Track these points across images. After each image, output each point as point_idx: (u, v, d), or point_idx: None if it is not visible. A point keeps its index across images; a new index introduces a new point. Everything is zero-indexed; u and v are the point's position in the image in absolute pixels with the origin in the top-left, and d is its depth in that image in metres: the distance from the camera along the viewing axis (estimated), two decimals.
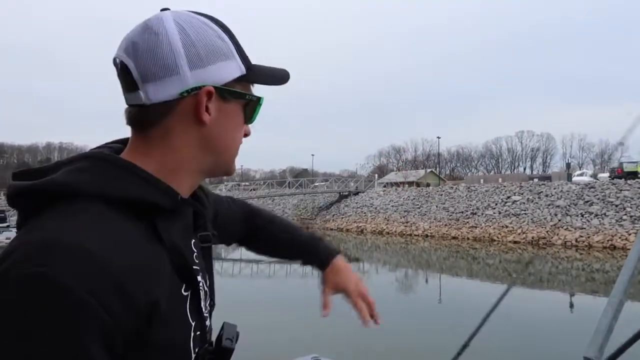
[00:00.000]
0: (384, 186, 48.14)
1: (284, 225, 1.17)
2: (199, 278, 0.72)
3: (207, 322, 0.76)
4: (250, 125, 0.78)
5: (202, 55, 0.67)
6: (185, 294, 0.68)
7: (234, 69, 0.70)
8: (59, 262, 0.53)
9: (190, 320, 0.68)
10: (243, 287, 14.60)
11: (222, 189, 57.26)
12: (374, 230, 31.57)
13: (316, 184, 52.31)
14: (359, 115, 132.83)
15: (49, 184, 0.62)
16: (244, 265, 19.01)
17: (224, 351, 0.76)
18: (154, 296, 0.60)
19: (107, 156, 0.67)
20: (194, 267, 0.71)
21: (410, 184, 50.26)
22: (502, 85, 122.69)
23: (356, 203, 37.28)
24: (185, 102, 0.67)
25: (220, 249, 24.18)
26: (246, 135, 0.77)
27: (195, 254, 0.74)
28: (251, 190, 53.22)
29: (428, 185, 44.18)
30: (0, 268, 0.54)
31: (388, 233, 30.40)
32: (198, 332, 0.70)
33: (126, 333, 0.56)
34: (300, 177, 58.05)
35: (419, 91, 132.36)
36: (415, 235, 28.66)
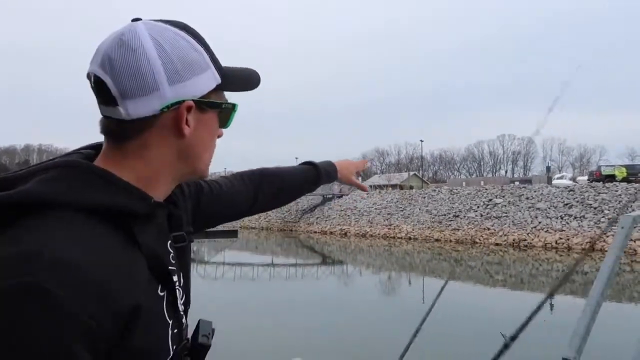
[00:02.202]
0: None
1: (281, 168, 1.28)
2: (175, 278, 0.74)
3: (184, 320, 0.77)
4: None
5: (180, 70, 0.68)
6: (161, 294, 0.69)
7: (210, 80, 0.72)
8: (43, 272, 0.54)
9: (168, 319, 0.69)
10: (226, 290, 14.50)
11: None
12: (358, 233, 31.66)
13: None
14: (342, 118, 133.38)
15: (23, 196, 0.61)
16: (228, 268, 18.89)
17: (200, 347, 0.78)
18: (134, 301, 0.61)
19: (82, 164, 0.67)
20: (170, 267, 0.73)
21: (394, 186, 50.59)
22: (485, 90, 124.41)
23: (340, 206, 37.34)
24: (165, 116, 0.68)
25: (203, 253, 23.98)
26: (219, 136, 0.80)
27: (171, 254, 0.76)
28: None
29: (411, 188, 44.49)
30: None
31: (371, 236, 30.51)
32: (175, 330, 0.71)
33: (110, 338, 0.58)
34: None
35: (402, 95, 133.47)
36: (399, 237, 28.82)
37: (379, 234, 30.34)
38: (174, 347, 0.71)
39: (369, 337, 8.46)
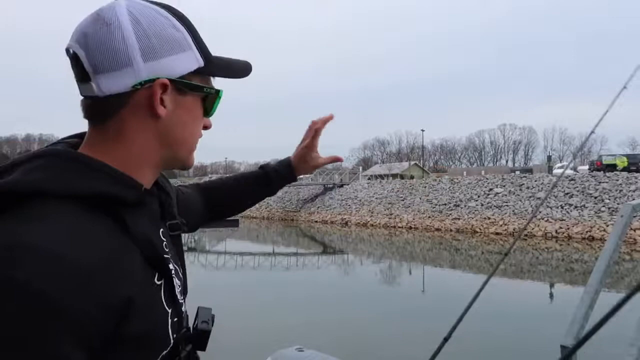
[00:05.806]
0: (369, 178, 48.35)
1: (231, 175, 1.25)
2: (171, 266, 0.72)
3: (183, 309, 0.75)
4: (211, 118, 0.78)
5: (156, 46, 0.66)
6: (158, 283, 0.67)
7: (190, 61, 0.70)
8: (24, 264, 0.52)
9: (166, 308, 0.68)
10: (227, 279, 14.57)
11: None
12: (358, 223, 31.71)
13: (301, 176, 52.15)
14: (343, 108, 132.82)
15: (5, 187, 0.59)
16: (229, 257, 18.97)
17: (200, 333, 0.77)
18: (126, 292, 0.59)
19: (64, 151, 0.65)
20: (165, 255, 0.71)
21: (395, 176, 50.57)
22: (486, 79, 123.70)
23: (340, 195, 37.35)
24: (139, 94, 0.66)
25: (204, 242, 24.08)
26: (206, 127, 0.78)
27: (164, 242, 0.74)
28: None
29: (412, 177, 44.46)
30: None
31: (372, 225, 30.56)
32: (175, 319, 0.70)
33: (102, 331, 0.56)
34: None
35: (403, 84, 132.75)
36: (399, 227, 28.86)
37: (379, 224, 30.39)
38: (174, 335, 0.69)
39: (369, 326, 8.51)
